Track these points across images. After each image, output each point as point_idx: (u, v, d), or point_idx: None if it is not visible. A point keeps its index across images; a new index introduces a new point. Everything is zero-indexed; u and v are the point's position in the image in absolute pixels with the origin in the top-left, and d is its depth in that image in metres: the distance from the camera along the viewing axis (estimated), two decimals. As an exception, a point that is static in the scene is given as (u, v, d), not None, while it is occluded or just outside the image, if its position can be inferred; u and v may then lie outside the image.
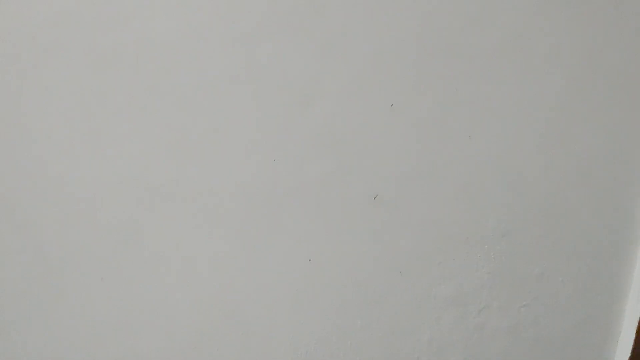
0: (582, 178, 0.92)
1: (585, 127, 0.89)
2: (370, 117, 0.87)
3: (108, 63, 0.86)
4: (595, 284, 1.01)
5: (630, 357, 1.00)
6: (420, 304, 1.01)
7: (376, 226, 0.93)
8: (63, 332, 1.01)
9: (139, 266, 0.96)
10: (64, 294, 0.98)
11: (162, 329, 1.00)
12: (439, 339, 1.05)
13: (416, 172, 0.91)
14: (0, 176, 0.93)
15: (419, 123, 0.87)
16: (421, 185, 0.91)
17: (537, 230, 0.95)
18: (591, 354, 1.05)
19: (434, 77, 0.85)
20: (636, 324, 0.99)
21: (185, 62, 0.86)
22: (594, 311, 1.02)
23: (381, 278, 0.98)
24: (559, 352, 1.06)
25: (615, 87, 0.88)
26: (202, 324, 0.99)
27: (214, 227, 0.93)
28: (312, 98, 0.84)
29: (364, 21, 0.84)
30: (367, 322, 1.01)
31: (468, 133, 0.89)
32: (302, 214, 0.92)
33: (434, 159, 0.90)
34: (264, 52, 0.85)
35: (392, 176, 0.90)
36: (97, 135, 0.90)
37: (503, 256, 0.98)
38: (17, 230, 0.95)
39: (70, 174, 0.92)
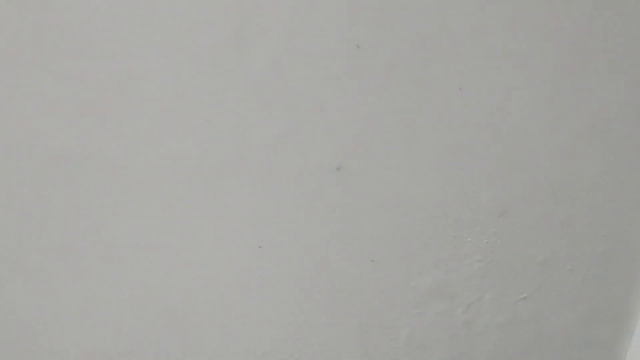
0: (596, 143, 0.74)
1: (602, 80, 0.70)
2: (331, 62, 0.67)
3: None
4: (608, 273, 0.85)
5: (647, 358, 0.85)
6: (398, 297, 0.84)
7: (341, 204, 0.75)
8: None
9: (53, 258, 0.78)
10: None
11: (85, 332, 0.83)
12: (420, 337, 0.89)
13: (390, 134, 0.71)
14: None
15: (393, 70, 0.67)
16: (396, 152, 0.72)
17: (540, 209, 0.77)
18: (600, 354, 0.90)
19: (412, 10, 0.65)
20: (656, 321, 0.84)
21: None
22: (605, 305, 0.86)
23: (349, 267, 0.81)
24: (563, 352, 0.91)
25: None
26: (134, 324, 0.83)
27: (139, 208, 0.75)
28: (251, 36, 0.64)
29: None
30: (334, 318, 0.85)
31: (457, 84, 0.69)
32: (247, 190, 0.73)
33: (413, 117, 0.70)
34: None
35: (359, 140, 0.71)
36: None
37: (499, 240, 0.81)
38: None
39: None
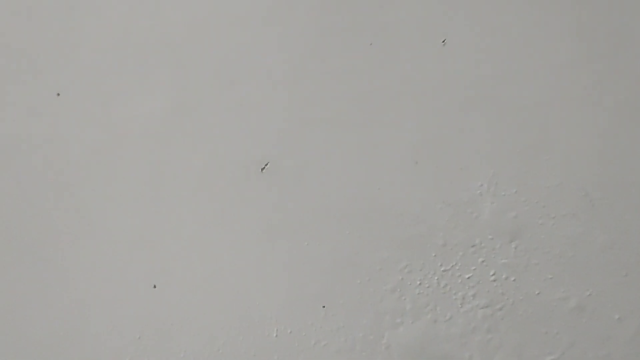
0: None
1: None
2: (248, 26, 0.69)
3: None
4: None
5: None
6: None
7: (267, 210, 0.68)
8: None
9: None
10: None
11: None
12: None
13: (333, 110, 0.68)
14: None
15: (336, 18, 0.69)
16: (343, 138, 0.67)
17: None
18: None
19: None
20: None
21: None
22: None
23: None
24: None
25: None
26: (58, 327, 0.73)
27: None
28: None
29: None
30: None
31: (442, 37, 0.66)
32: (163, 195, 0.70)
33: (368, 82, 0.67)
34: None
35: (289, 129, 0.68)
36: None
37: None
38: None
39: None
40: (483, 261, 0.68)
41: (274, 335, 0.73)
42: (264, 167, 0.62)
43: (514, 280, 0.69)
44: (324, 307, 0.71)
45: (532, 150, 0.63)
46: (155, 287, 0.70)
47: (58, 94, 0.76)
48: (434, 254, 0.68)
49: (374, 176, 0.65)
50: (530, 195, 0.64)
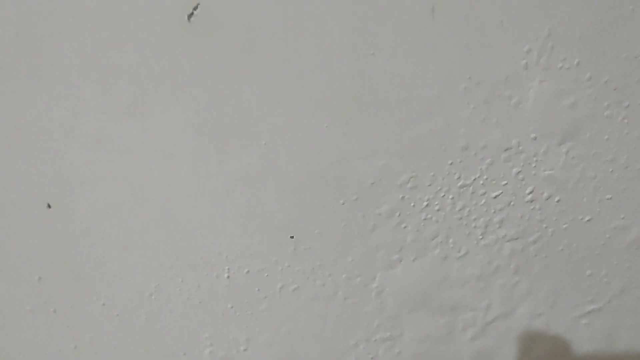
0: None
1: None
2: None
3: None
4: None
5: None
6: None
7: (203, 87, 0.47)
8: None
9: None
10: None
11: None
12: None
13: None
14: None
15: None
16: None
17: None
18: None
19: None
20: None
21: None
22: None
23: None
24: None
25: None
26: None
27: None
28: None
29: None
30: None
31: None
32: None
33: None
34: None
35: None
36: None
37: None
38: None
39: None
40: (519, 172, 0.48)
41: (225, 276, 0.54)
42: (192, 13, 0.39)
43: (558, 201, 0.49)
44: (292, 237, 0.51)
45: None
46: (49, 206, 0.49)
47: None
48: (449, 162, 0.47)
49: (366, 35, 0.43)
50: (598, 71, 0.43)
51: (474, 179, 0.48)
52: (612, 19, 0.42)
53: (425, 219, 0.50)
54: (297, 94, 0.46)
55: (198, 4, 0.40)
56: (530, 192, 0.48)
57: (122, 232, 0.52)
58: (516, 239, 0.51)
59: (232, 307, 0.55)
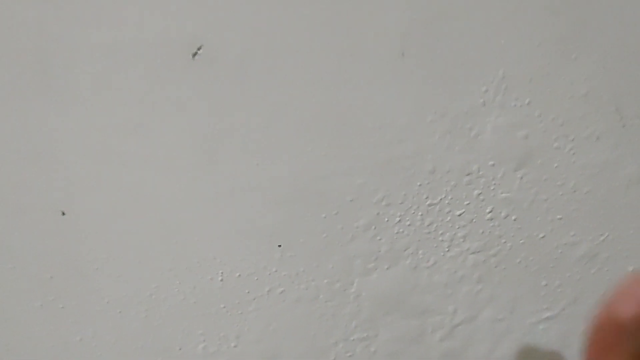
0: None
1: None
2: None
3: None
4: None
5: None
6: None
7: (202, 114, 0.53)
8: None
9: None
10: None
11: None
12: None
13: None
14: None
15: None
16: (305, 11, 0.51)
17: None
18: None
19: None
20: None
21: None
22: None
23: None
24: None
25: None
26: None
27: None
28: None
29: None
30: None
31: None
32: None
33: None
34: None
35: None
36: None
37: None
38: None
39: None
40: (479, 194, 0.54)
41: (219, 279, 0.60)
42: (197, 52, 0.45)
43: (515, 219, 0.55)
44: (280, 246, 0.57)
45: (557, 46, 0.47)
46: (64, 214, 0.55)
47: None
48: (419, 183, 0.54)
49: (346, 72, 0.49)
50: (546, 108, 0.49)
51: (440, 199, 0.54)
52: (557, 64, 0.48)
53: (397, 233, 0.56)
54: (285, 119, 0.52)
55: (202, 45, 0.46)
56: (490, 211, 0.55)
57: (126, 237, 0.58)
58: (479, 251, 0.57)
59: (224, 307, 0.61)
